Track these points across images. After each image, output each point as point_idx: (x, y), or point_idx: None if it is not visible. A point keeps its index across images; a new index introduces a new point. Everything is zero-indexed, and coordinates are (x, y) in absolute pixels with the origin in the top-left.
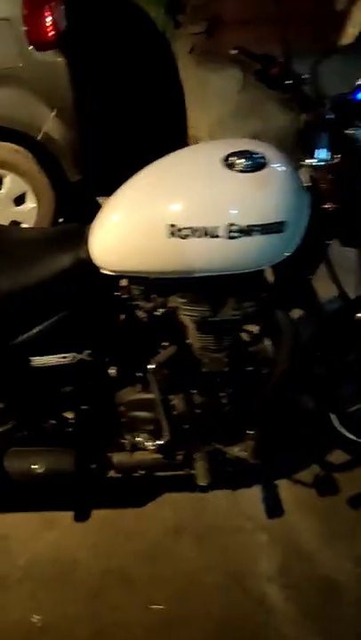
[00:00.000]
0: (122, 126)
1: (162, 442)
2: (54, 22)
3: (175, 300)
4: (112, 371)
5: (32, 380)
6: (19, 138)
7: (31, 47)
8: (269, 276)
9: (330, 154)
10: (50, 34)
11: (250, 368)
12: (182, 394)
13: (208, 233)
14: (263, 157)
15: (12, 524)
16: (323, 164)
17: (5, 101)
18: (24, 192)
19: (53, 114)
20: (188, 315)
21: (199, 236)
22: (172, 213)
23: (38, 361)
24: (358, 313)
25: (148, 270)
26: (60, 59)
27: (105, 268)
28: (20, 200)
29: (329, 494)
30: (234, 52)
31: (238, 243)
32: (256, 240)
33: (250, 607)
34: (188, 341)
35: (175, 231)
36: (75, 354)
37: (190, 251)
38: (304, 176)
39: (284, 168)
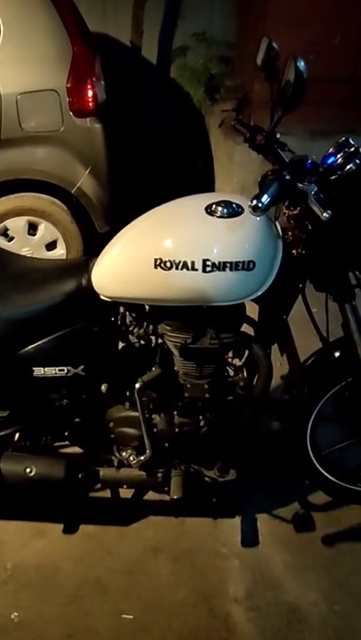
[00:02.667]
0: (153, 188)
1: (143, 458)
2: (94, 95)
3: (163, 327)
4: (103, 387)
5: (32, 388)
6: (55, 191)
7: (72, 114)
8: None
9: (290, 205)
10: (90, 104)
11: (228, 397)
12: (164, 414)
13: (186, 266)
14: (240, 207)
15: (6, 530)
16: (286, 213)
17: (46, 159)
18: (56, 239)
19: (87, 172)
20: (172, 341)
21: (179, 269)
22: (158, 248)
23: (38, 371)
24: (334, 355)
25: (136, 297)
26: (97, 125)
27: (103, 294)
28: (51, 246)
29: (305, 531)
30: (233, 122)
31: (212, 276)
32: (227, 275)
33: (213, 624)
34: (175, 368)
35: (160, 263)
36: (70, 367)
37: (171, 281)
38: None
39: (256, 218)
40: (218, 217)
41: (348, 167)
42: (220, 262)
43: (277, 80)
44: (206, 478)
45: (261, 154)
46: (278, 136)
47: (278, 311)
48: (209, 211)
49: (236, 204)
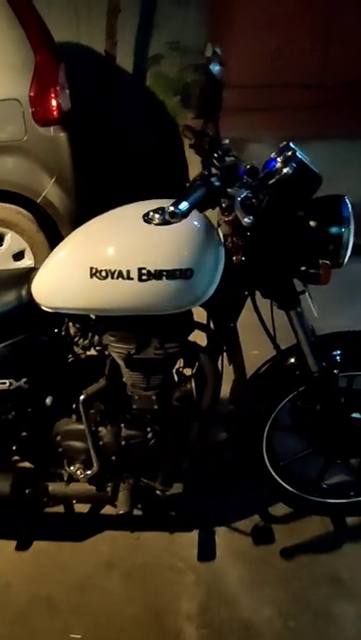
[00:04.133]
0: (127, 196)
1: (90, 472)
2: (58, 104)
3: (107, 338)
4: (48, 400)
5: None
6: (21, 201)
7: (35, 123)
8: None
9: (224, 211)
10: (53, 113)
11: (177, 408)
12: (111, 427)
13: (122, 275)
14: None
15: None
16: (225, 219)
17: (10, 169)
18: (23, 249)
19: (53, 181)
20: (116, 352)
21: (115, 278)
22: (94, 257)
23: None
24: (286, 363)
25: (75, 307)
26: (62, 134)
27: (43, 305)
28: (19, 256)
29: (264, 544)
30: (181, 128)
31: (148, 285)
32: (165, 284)
33: None
34: (123, 379)
35: (95, 272)
36: (13, 380)
37: (108, 290)
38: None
39: (194, 224)
40: (155, 224)
41: (284, 171)
42: (156, 271)
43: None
44: (158, 492)
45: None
46: (227, 141)
47: (226, 319)
48: (146, 218)
49: None
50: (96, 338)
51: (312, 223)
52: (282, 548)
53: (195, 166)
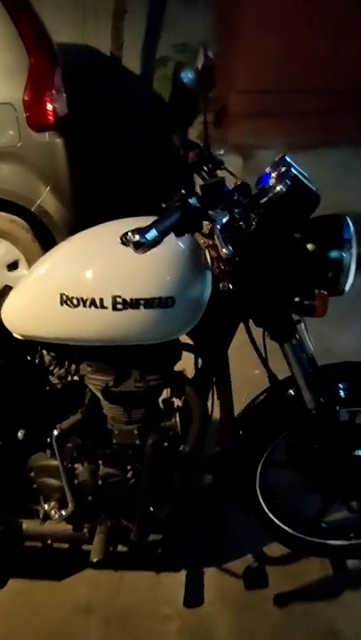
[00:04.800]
0: (124, 205)
1: (65, 512)
2: (54, 109)
3: (84, 368)
4: (20, 433)
5: None
6: (15, 209)
7: (30, 129)
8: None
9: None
10: (49, 118)
11: (161, 444)
12: (88, 463)
13: (94, 303)
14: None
15: None
16: (209, 243)
17: (4, 176)
18: (17, 259)
19: (48, 189)
20: (93, 383)
21: (87, 306)
22: (64, 283)
23: None
24: (282, 396)
25: (44, 336)
26: (58, 139)
27: (14, 332)
28: (13, 266)
29: (257, 588)
30: (173, 137)
31: (124, 315)
32: (142, 313)
33: None
34: (103, 411)
35: (66, 300)
36: None
37: (79, 320)
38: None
39: (179, 247)
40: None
41: (277, 189)
42: (132, 299)
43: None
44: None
45: (195, 172)
46: (222, 152)
47: (214, 349)
48: (124, 240)
49: None
50: (73, 367)
51: (310, 247)
52: (276, 593)
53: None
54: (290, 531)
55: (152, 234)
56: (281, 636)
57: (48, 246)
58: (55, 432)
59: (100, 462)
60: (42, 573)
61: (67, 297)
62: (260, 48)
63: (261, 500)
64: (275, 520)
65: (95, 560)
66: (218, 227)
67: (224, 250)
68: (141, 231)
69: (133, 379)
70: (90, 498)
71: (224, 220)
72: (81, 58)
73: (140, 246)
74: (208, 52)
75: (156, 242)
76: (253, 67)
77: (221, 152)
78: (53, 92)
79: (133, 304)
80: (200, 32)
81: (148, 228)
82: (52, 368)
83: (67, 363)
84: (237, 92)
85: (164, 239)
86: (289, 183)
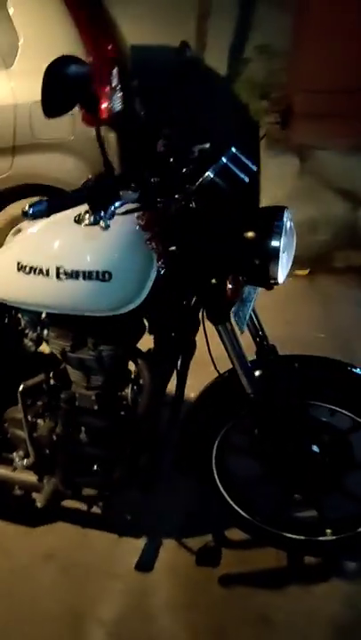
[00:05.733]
0: None
1: (25, 462)
2: (108, 106)
3: (50, 333)
4: None
5: None
6: None
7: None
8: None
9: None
10: (101, 115)
11: (114, 412)
12: (48, 420)
13: (42, 272)
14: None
15: None
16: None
17: (56, 166)
18: None
19: None
20: (54, 348)
21: (36, 274)
22: (21, 252)
23: None
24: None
25: (7, 299)
26: (110, 134)
27: None
28: None
29: (206, 566)
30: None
31: (65, 284)
32: (80, 285)
33: None
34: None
35: (21, 267)
36: None
37: (30, 286)
38: None
39: (124, 227)
40: (85, 225)
41: (206, 175)
42: (72, 270)
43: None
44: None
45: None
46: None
47: (167, 329)
48: (77, 218)
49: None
50: (44, 332)
51: (246, 234)
52: (223, 574)
53: (267, 172)
54: (248, 517)
55: (38, 207)
56: (216, 614)
57: None
58: (20, 388)
59: (59, 421)
60: (19, 519)
61: (21, 264)
62: (337, 48)
63: (219, 483)
64: (232, 504)
65: (39, 505)
66: (117, 204)
67: (102, 223)
68: (35, 204)
69: (88, 347)
70: (47, 451)
71: (132, 199)
72: (163, 59)
73: (25, 215)
74: (188, 48)
75: (39, 214)
76: (321, 66)
77: (206, 146)
78: (108, 89)
79: (73, 275)
80: (282, 33)
81: (40, 203)
82: (26, 331)
83: (38, 327)
84: (302, 92)
85: (111, 217)
86: (217, 170)
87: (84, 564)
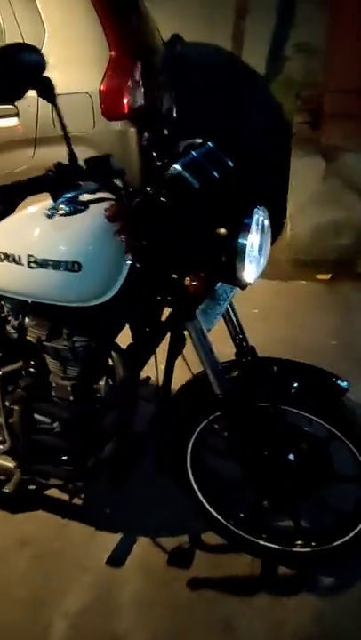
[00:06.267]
0: None
1: (2, 447)
2: (129, 101)
3: (29, 321)
4: None
5: None
6: None
7: (104, 117)
8: None
9: None
10: (122, 109)
11: (87, 403)
12: (24, 408)
13: (14, 259)
14: (84, 206)
15: None
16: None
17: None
18: None
19: None
20: (31, 335)
21: (9, 261)
22: None
23: None
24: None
25: None
26: (131, 129)
27: None
28: None
29: (177, 566)
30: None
31: (36, 273)
32: (50, 274)
33: (29, 629)
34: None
35: None
36: None
37: (4, 272)
38: None
39: (96, 219)
40: (60, 215)
41: (172, 168)
42: (43, 259)
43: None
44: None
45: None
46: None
47: (141, 324)
48: (51, 208)
49: (82, 203)
50: (26, 320)
51: (218, 231)
52: (193, 576)
53: (292, 173)
54: (222, 521)
55: None
56: (179, 615)
57: None
58: None
59: (34, 409)
60: (2, 504)
61: None
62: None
63: (194, 484)
64: (206, 506)
65: (6, 490)
66: (73, 193)
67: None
68: None
69: (63, 337)
70: (21, 439)
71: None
72: (201, 55)
73: None
74: (178, 44)
75: None
76: (352, 66)
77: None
78: (129, 84)
79: (43, 264)
80: (322, 31)
81: None
82: (8, 318)
83: (20, 315)
84: (333, 91)
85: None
86: (184, 164)
87: (59, 553)
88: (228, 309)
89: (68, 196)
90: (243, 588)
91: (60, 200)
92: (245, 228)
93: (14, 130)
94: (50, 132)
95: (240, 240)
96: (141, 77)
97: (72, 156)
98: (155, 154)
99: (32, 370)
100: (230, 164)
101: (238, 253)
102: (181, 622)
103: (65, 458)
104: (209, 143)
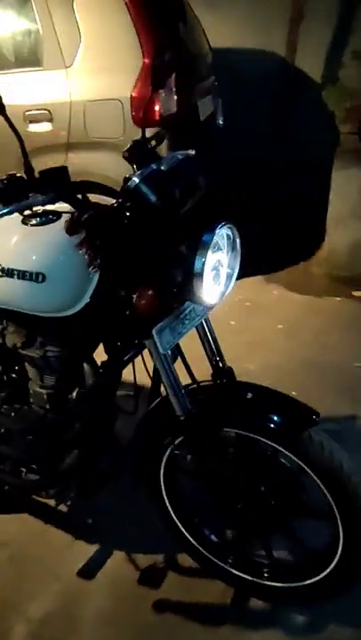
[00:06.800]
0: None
1: None
2: (160, 108)
3: (6, 328)
4: None
5: None
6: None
7: (134, 124)
8: None
9: None
10: (153, 117)
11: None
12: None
13: None
14: (55, 218)
15: None
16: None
17: (107, 164)
18: None
19: None
20: (7, 342)
21: None
22: None
23: None
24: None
25: None
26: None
27: None
28: None
29: (146, 586)
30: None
31: (3, 281)
32: (15, 283)
33: None
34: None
35: None
36: None
37: None
38: None
39: (63, 230)
40: (30, 225)
41: (130, 181)
42: (8, 268)
43: None
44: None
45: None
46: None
47: (111, 337)
48: (25, 219)
49: (54, 216)
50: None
51: (177, 248)
52: (161, 598)
53: (333, 184)
54: (195, 544)
55: None
56: (136, 636)
57: None
58: None
59: (10, 414)
60: None
61: None
62: None
63: (168, 504)
64: (180, 527)
65: None
66: (13, 207)
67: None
68: None
69: (35, 346)
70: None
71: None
72: (254, 62)
73: None
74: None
75: None
76: None
77: (192, 152)
78: (161, 92)
79: (9, 273)
80: None
81: None
82: None
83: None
84: None
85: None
86: (143, 177)
87: (34, 557)
88: (204, 329)
89: (10, 208)
90: (209, 616)
91: (8, 209)
92: (204, 247)
93: (49, 134)
94: (82, 138)
95: (197, 259)
96: (175, 85)
97: (28, 166)
98: (134, 165)
99: (12, 375)
100: (202, 180)
101: (195, 273)
102: None
103: (30, 466)
104: (178, 156)
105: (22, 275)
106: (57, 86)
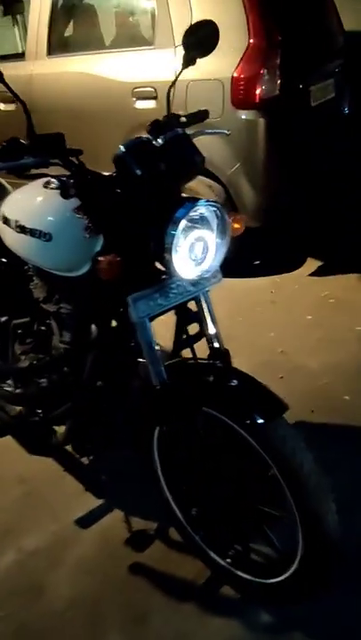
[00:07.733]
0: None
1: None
2: (261, 90)
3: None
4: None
5: None
6: (214, 176)
7: (233, 105)
8: None
9: None
10: (253, 98)
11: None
12: (25, 357)
13: (8, 222)
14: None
15: None
16: None
17: (203, 144)
18: None
19: (239, 164)
20: (35, 297)
21: (4, 223)
22: (4, 206)
23: None
24: None
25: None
26: (260, 119)
27: None
28: None
29: (132, 548)
30: None
31: (19, 236)
32: (27, 239)
33: None
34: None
35: (1, 217)
36: None
37: (5, 233)
38: None
39: None
40: (50, 189)
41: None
42: (23, 226)
43: None
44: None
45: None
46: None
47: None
48: (46, 183)
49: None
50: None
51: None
52: (139, 561)
53: None
54: (181, 519)
55: None
56: (105, 590)
57: None
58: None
59: (33, 363)
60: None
61: (2, 215)
62: None
63: (160, 474)
64: (169, 498)
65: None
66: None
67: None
68: None
69: (53, 301)
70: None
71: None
72: None
73: None
74: None
75: None
76: None
77: (227, 132)
78: (263, 72)
79: (23, 229)
80: None
81: None
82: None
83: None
84: None
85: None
86: (127, 147)
87: (44, 498)
88: (202, 309)
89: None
90: (176, 590)
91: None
92: (176, 221)
93: (153, 112)
94: None
95: (168, 232)
96: (279, 67)
97: (30, 131)
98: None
99: (42, 327)
100: (197, 158)
101: (165, 247)
102: (103, 597)
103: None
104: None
105: (33, 233)
106: (165, 65)
